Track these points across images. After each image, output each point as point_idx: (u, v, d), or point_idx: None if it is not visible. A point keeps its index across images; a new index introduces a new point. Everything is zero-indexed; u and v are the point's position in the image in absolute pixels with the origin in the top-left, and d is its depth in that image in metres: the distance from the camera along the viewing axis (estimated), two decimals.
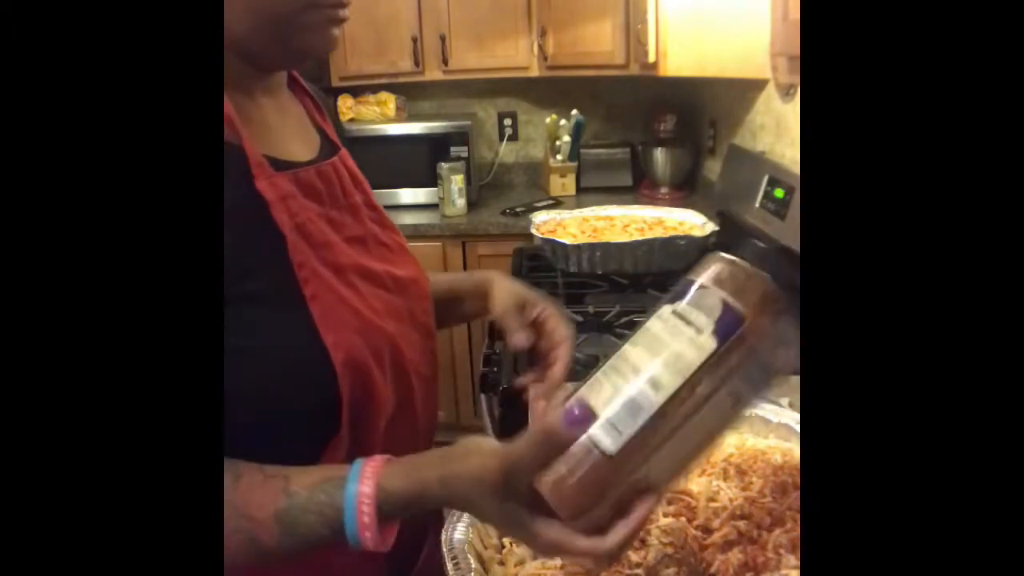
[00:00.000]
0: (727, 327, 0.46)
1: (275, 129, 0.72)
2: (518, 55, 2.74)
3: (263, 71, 0.70)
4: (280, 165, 0.68)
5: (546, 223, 1.93)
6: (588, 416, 0.47)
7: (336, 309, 0.65)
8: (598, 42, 2.56)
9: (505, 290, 0.82)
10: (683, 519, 0.67)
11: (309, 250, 0.65)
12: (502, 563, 0.65)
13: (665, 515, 0.67)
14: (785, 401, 1.08)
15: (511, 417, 1.26)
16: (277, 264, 0.63)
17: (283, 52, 0.67)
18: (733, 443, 0.77)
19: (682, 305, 0.47)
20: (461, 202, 2.65)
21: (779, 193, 1.72)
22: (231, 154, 0.64)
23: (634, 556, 0.62)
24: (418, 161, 2.70)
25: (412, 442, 0.76)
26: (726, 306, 0.46)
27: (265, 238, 0.64)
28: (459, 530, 0.65)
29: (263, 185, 0.64)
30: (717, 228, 1.79)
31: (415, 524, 0.75)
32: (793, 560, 0.61)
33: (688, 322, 0.46)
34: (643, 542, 0.64)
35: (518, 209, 2.69)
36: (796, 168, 1.71)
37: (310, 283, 0.64)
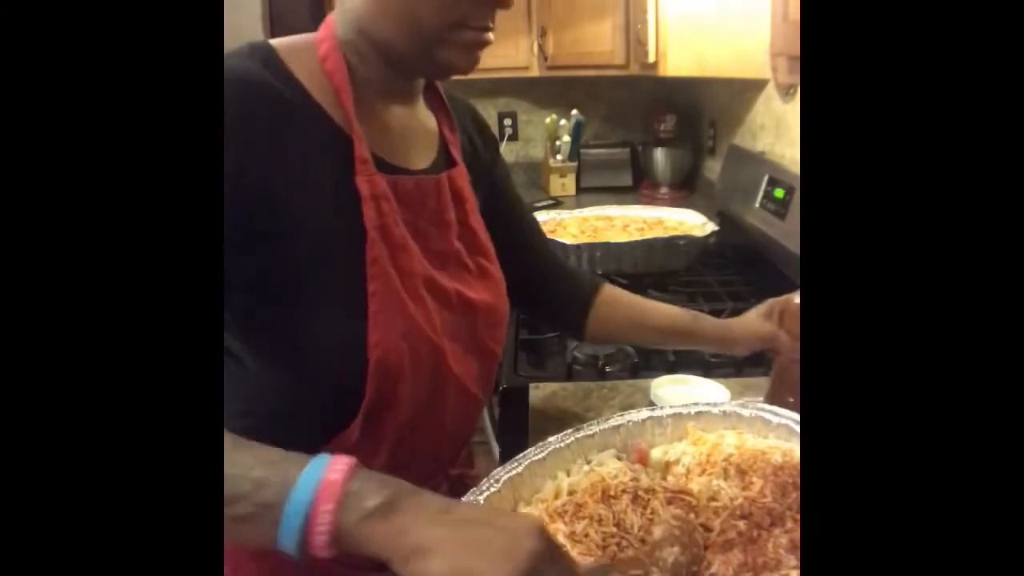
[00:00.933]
0: None
1: (398, 134, 0.75)
2: (518, 55, 2.74)
3: (404, 77, 0.74)
4: (386, 168, 0.71)
5: (546, 223, 1.92)
6: None
7: (390, 310, 0.68)
8: (598, 42, 2.55)
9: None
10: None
11: (385, 251, 0.68)
12: None
13: None
14: None
15: (511, 417, 1.26)
16: (353, 256, 0.67)
17: (427, 64, 0.70)
18: (733, 443, 0.77)
19: None
20: None
21: (779, 193, 1.72)
22: (341, 147, 0.68)
23: (638, 526, 0.64)
24: None
25: (435, 450, 0.79)
26: None
27: (349, 230, 0.67)
28: None
29: (361, 181, 0.68)
30: (717, 228, 1.79)
31: None
32: (793, 560, 0.61)
33: None
34: (651, 521, 0.66)
35: None
36: (796, 168, 1.71)
37: (375, 281, 0.67)
